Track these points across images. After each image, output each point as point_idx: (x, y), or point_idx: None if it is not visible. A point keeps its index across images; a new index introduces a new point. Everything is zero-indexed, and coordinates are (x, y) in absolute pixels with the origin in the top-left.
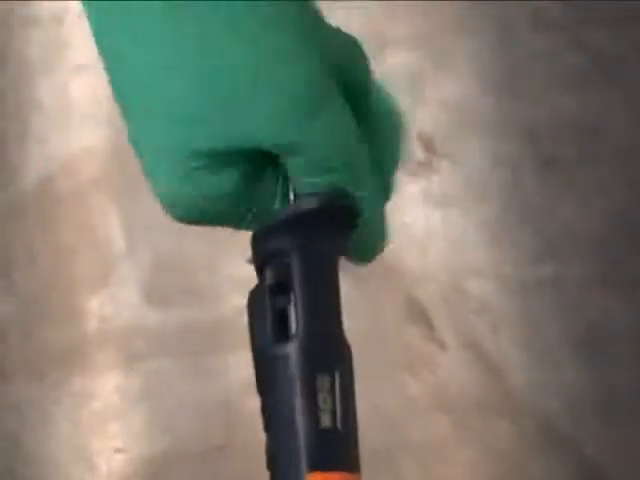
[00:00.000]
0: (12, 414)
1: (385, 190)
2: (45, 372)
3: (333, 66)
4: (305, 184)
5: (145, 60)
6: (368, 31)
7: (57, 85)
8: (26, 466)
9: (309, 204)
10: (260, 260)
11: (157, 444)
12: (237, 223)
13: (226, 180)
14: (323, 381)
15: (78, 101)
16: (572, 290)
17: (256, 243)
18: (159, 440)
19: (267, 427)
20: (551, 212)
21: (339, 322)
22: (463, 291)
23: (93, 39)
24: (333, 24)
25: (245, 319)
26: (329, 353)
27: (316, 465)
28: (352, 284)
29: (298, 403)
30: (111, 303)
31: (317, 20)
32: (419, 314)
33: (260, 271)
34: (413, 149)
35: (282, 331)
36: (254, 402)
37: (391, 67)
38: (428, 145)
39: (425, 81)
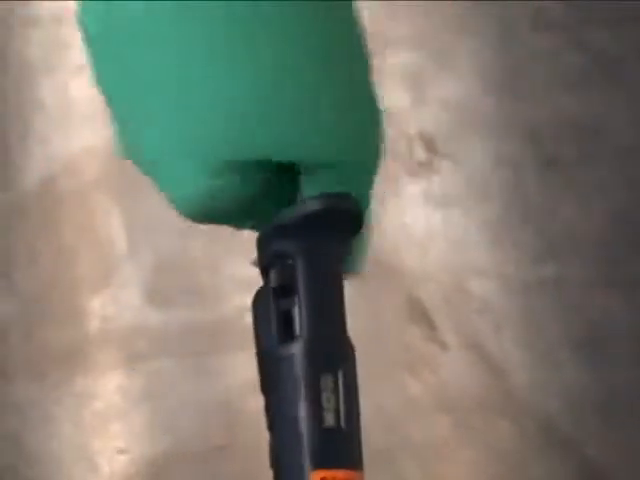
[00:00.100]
0: (13, 414)
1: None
2: (47, 372)
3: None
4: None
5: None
6: (369, 31)
7: (58, 85)
8: (28, 466)
9: (314, 206)
10: (265, 262)
11: (159, 444)
12: (245, 223)
13: (253, 184)
14: (327, 381)
15: (80, 101)
16: (573, 290)
17: (261, 245)
18: (161, 440)
19: (271, 426)
20: (552, 212)
21: (343, 323)
22: (465, 291)
23: (96, 47)
24: None
25: (247, 319)
26: (333, 353)
27: (320, 463)
28: (353, 284)
29: (302, 402)
30: (113, 303)
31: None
32: (420, 314)
33: (265, 273)
34: (414, 149)
35: (287, 332)
36: (256, 402)
37: (392, 67)
38: (429, 145)
39: (426, 81)
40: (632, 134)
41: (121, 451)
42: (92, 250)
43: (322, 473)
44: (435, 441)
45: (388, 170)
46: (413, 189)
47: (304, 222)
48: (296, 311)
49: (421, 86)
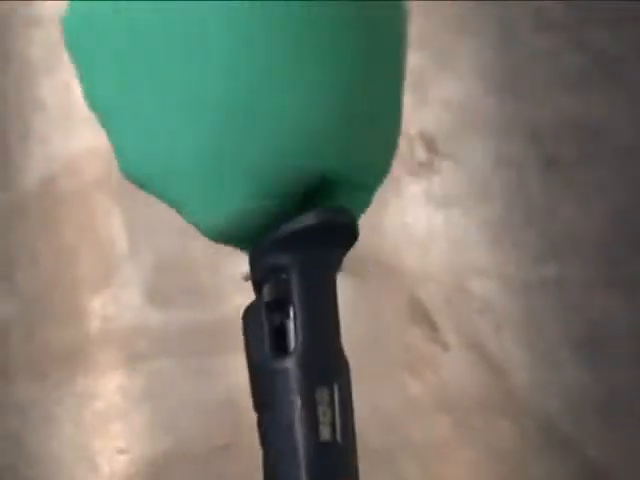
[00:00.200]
0: (14, 414)
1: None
2: (47, 372)
3: None
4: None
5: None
6: None
7: (59, 85)
8: (28, 466)
9: (310, 221)
10: (260, 276)
11: (159, 444)
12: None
13: (290, 205)
14: (322, 394)
15: (80, 101)
16: (574, 290)
17: (256, 259)
18: (161, 440)
19: (265, 441)
20: (553, 212)
21: (337, 336)
22: (465, 291)
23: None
24: None
25: None
26: (328, 367)
27: (316, 478)
28: (354, 285)
29: (298, 417)
30: (113, 303)
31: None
32: (421, 314)
33: (258, 287)
34: (415, 149)
35: (280, 346)
36: None
37: None
38: (430, 145)
39: (427, 81)
40: (632, 134)
41: (121, 451)
42: (93, 250)
43: None
44: (435, 441)
45: None
46: (414, 189)
47: (299, 236)
48: (290, 324)
49: (422, 86)
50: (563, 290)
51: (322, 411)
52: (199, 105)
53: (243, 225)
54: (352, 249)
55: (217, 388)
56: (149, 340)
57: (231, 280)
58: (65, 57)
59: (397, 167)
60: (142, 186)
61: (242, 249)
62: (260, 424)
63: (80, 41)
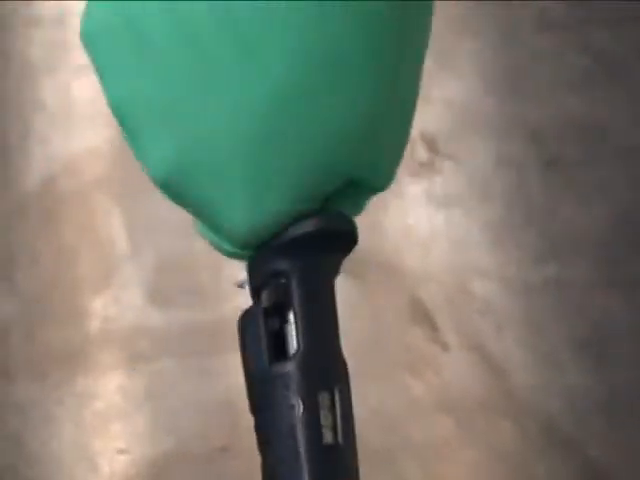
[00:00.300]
0: (15, 414)
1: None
2: (48, 372)
3: None
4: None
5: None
6: None
7: (60, 85)
8: (28, 466)
9: (310, 227)
10: (259, 281)
11: (160, 445)
12: None
13: (319, 203)
14: (324, 398)
15: (80, 101)
16: (575, 291)
17: (255, 265)
18: (162, 441)
19: (264, 444)
20: (554, 213)
21: (337, 340)
22: (467, 292)
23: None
24: None
25: None
26: (329, 370)
27: (319, 479)
28: (354, 285)
29: (300, 420)
30: (114, 303)
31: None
32: (422, 315)
33: (256, 293)
34: (416, 149)
35: (278, 351)
36: None
37: None
38: (431, 145)
39: (428, 81)
40: (633, 134)
41: (122, 451)
42: (93, 250)
43: None
44: (436, 441)
45: None
46: (415, 189)
47: (300, 242)
48: (290, 329)
49: (423, 86)
50: (564, 290)
51: (324, 415)
52: (251, 99)
53: (270, 228)
54: (353, 249)
55: (218, 388)
56: (149, 340)
57: (231, 280)
58: (65, 57)
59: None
60: (175, 191)
61: (244, 257)
62: (258, 427)
63: (108, 42)
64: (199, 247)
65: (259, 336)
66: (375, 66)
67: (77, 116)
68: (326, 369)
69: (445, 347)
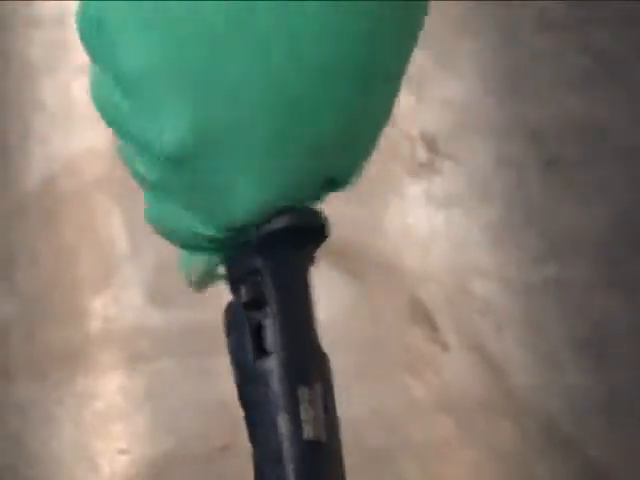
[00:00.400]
0: (15, 414)
1: None
2: (48, 372)
3: None
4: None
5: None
6: None
7: (60, 85)
8: (28, 466)
9: (281, 224)
10: (235, 278)
11: (160, 445)
12: None
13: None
14: (304, 393)
15: (80, 101)
16: (575, 291)
17: (232, 261)
18: (162, 441)
19: (252, 439)
20: (554, 213)
21: (314, 333)
22: (467, 292)
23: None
24: None
25: None
26: (308, 365)
27: (302, 476)
28: (354, 285)
29: (281, 415)
30: (114, 303)
31: None
32: (422, 315)
33: (234, 288)
34: (416, 149)
35: (260, 346)
36: None
37: None
38: (431, 145)
39: (428, 81)
40: (633, 134)
41: (122, 452)
42: (93, 250)
43: None
44: (436, 441)
45: (390, 171)
46: (415, 190)
47: (272, 239)
48: (268, 324)
49: (423, 86)
50: (564, 290)
51: (304, 409)
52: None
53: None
54: (353, 250)
55: (218, 388)
56: (150, 340)
57: None
58: (65, 57)
59: (398, 167)
60: (185, 166)
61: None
62: (247, 425)
63: (119, 13)
64: None
65: (241, 331)
66: (374, 69)
67: (77, 116)
68: (305, 363)
69: (445, 347)
